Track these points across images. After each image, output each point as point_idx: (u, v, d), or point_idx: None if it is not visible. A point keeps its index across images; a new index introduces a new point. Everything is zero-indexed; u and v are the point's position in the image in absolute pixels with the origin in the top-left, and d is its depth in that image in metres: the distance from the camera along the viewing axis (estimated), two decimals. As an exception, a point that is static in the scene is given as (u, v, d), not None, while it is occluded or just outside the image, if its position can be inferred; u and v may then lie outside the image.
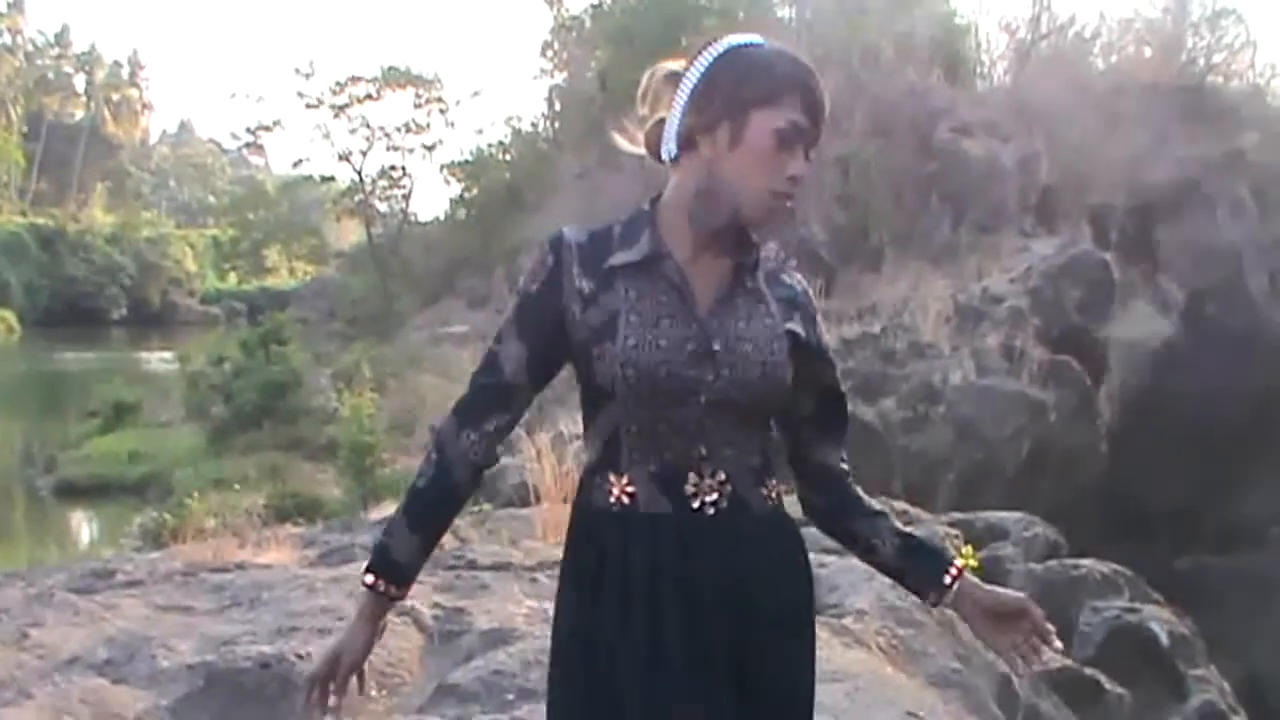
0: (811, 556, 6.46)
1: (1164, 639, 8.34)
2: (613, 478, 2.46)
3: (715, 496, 2.45)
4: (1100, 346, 20.52)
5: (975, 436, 17.14)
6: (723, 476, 2.46)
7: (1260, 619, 19.27)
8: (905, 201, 24.23)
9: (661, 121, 2.55)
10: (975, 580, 2.63)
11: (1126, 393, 21.69)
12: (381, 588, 2.55)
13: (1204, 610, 14.14)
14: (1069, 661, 6.89)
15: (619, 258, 2.47)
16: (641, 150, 2.64)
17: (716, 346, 2.43)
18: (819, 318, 2.66)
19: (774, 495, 2.54)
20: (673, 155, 2.51)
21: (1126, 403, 21.58)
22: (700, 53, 2.54)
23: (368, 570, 2.56)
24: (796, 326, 2.55)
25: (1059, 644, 2.60)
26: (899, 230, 23.86)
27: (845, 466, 2.67)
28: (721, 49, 2.53)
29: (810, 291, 2.70)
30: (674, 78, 2.56)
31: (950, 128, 24.52)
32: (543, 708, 4.73)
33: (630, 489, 2.45)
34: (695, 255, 2.48)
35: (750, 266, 2.53)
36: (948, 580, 2.59)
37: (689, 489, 2.44)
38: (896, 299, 19.93)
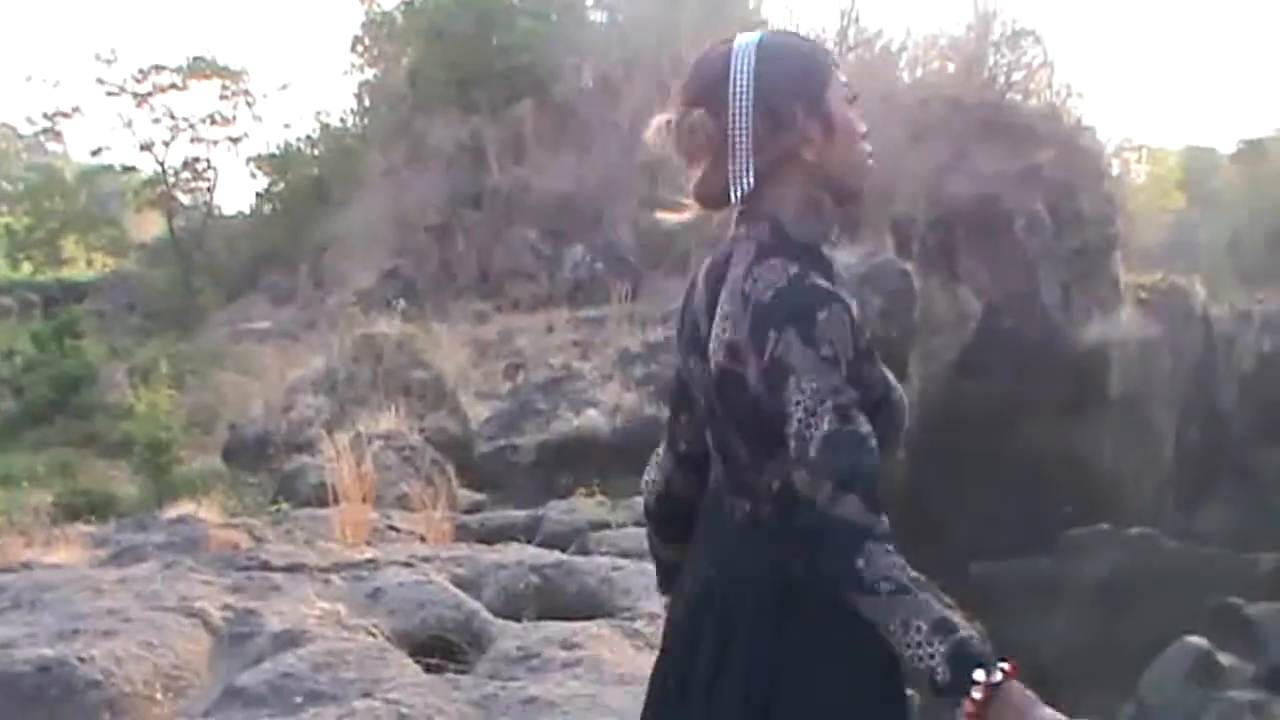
0: (606, 560, 6.48)
1: (953, 642, 8.53)
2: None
3: None
4: (900, 354, 20.93)
5: (777, 441, 17.35)
6: None
7: (1048, 621, 19.86)
8: (712, 208, 24.47)
9: (714, 166, 2.45)
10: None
11: (925, 401, 22.17)
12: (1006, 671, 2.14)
13: (995, 613, 14.54)
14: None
15: (854, 304, 2.37)
16: (688, 214, 2.60)
17: None
18: None
19: None
20: (749, 189, 2.40)
21: (925, 411, 22.06)
22: (722, 75, 2.41)
23: (984, 667, 2.11)
24: None
25: None
26: (706, 235, 24.06)
27: None
28: (752, 57, 2.39)
29: None
30: (708, 119, 2.43)
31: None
32: (329, 710, 4.71)
33: None
34: None
35: None
36: None
37: None
38: (703, 304, 20.11)
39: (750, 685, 2.34)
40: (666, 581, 2.70)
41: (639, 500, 9.32)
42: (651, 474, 2.69)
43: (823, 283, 2.33)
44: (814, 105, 2.38)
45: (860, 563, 2.17)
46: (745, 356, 2.31)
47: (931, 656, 2.11)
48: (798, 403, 2.21)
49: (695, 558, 2.50)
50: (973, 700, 2.08)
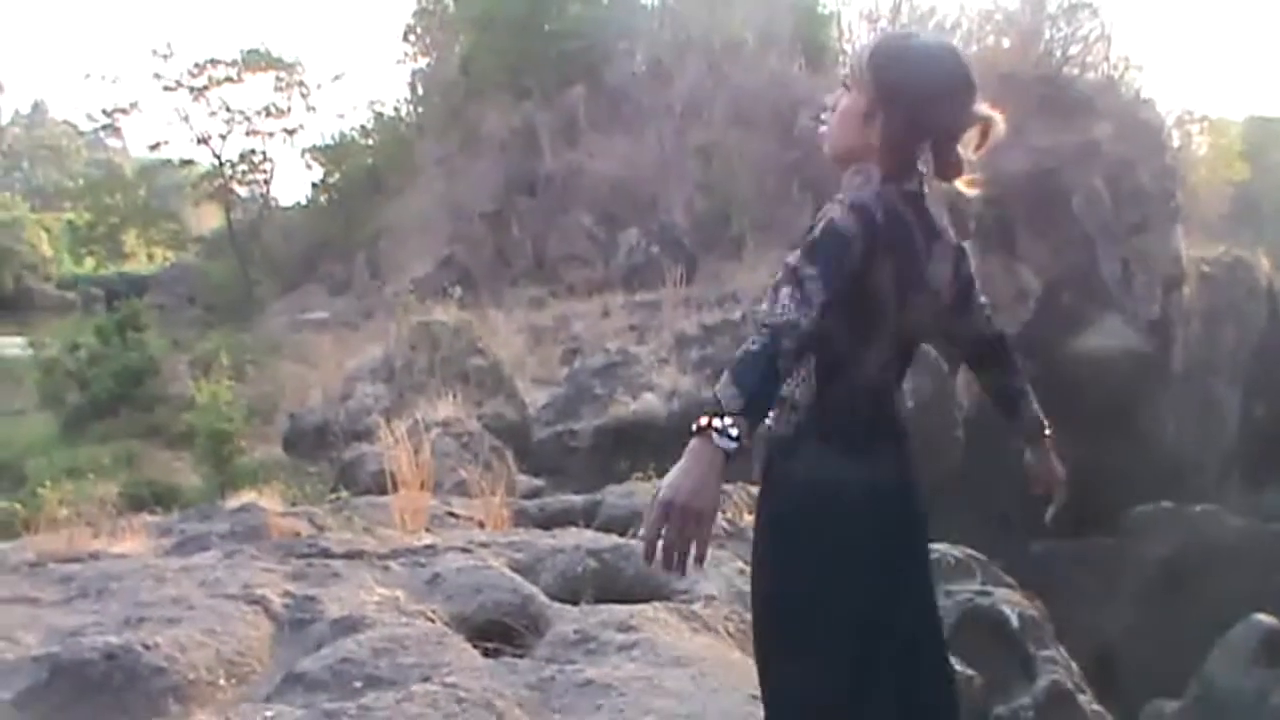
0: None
1: (1014, 621, 8.48)
2: None
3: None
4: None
5: (834, 422, 17.33)
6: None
7: (1112, 600, 19.72)
8: (766, 189, 24.41)
9: None
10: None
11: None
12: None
13: (1056, 592, 14.40)
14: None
15: None
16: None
17: None
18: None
19: (782, 422, 3.05)
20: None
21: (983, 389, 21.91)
22: None
23: None
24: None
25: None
26: (760, 218, 24.01)
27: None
28: None
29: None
30: None
31: (812, 116, 24.72)
32: (388, 694, 4.76)
33: None
34: None
35: None
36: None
37: None
38: (757, 286, 20.05)
39: None
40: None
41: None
42: (796, 317, 2.79)
43: None
44: None
45: None
46: (969, 278, 3.34)
47: None
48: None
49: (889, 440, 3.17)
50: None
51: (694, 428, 2.68)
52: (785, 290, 2.79)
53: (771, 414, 2.96)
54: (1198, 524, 20.67)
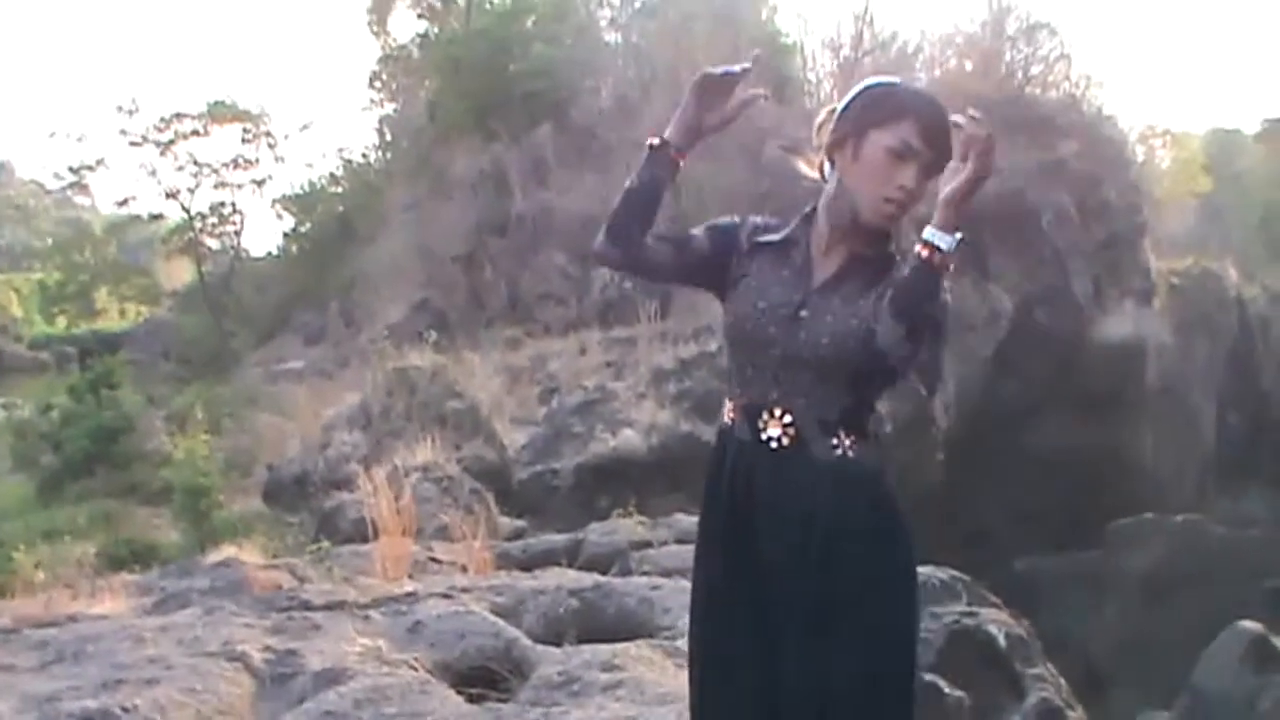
0: (644, 580, 6.43)
1: (1001, 641, 8.43)
2: (728, 401, 3.15)
3: (778, 434, 3.01)
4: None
5: (813, 450, 17.29)
6: (789, 420, 3.00)
7: (1098, 613, 19.73)
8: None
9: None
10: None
11: (961, 400, 22.05)
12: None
13: (1043, 609, 14.42)
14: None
15: (766, 237, 3.15)
16: (816, 174, 3.23)
17: (804, 314, 2.99)
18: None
19: (844, 448, 3.00)
20: (827, 171, 3.14)
21: (962, 409, 21.95)
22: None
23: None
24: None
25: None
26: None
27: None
28: (862, 86, 3.15)
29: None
30: (834, 112, 3.18)
31: (779, 146, 24.76)
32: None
33: (732, 414, 3.12)
34: (829, 247, 3.08)
35: (868, 259, 3.04)
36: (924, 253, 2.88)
37: (760, 424, 3.03)
38: (731, 318, 20.04)
39: None
40: None
41: (679, 517, 9.27)
42: None
43: (753, 217, 3.25)
44: (857, 130, 3.04)
45: None
46: None
47: None
48: None
49: None
50: None
51: None
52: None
53: (853, 439, 3.01)
54: (1180, 534, 20.71)
